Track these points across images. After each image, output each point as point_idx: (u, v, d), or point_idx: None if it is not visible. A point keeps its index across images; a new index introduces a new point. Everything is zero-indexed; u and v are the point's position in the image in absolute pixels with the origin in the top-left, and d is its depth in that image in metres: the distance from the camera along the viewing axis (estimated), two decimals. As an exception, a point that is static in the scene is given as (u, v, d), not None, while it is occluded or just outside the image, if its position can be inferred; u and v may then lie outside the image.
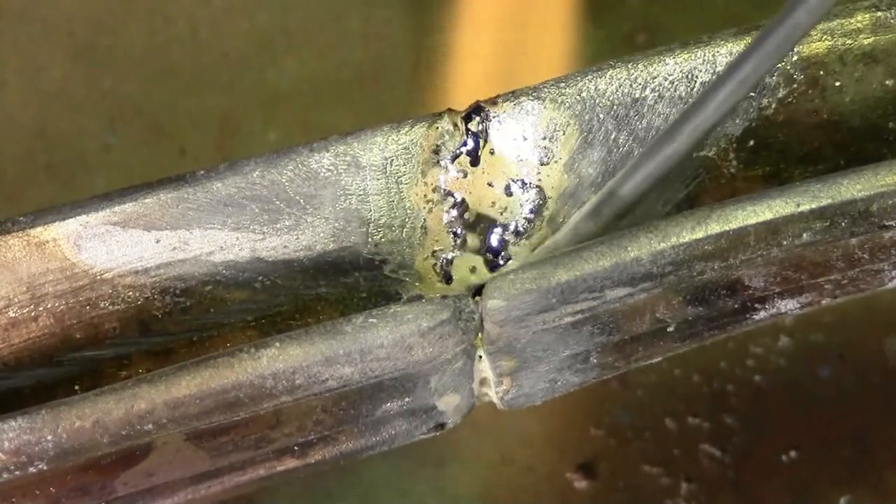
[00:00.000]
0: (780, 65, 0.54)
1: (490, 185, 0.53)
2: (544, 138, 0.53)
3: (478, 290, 0.48)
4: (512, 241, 0.54)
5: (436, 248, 0.54)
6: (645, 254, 0.47)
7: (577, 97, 0.53)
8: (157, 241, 0.50)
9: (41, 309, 0.50)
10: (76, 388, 0.51)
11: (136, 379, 0.45)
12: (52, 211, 0.49)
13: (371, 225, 0.53)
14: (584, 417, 0.79)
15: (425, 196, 0.53)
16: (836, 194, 0.48)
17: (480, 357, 0.52)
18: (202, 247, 0.51)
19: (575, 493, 0.77)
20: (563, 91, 0.53)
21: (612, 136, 0.54)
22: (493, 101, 0.53)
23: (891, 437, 0.78)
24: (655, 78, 0.53)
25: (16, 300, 0.50)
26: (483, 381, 0.53)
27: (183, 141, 0.95)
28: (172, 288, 0.51)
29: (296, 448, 0.52)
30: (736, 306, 0.54)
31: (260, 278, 0.52)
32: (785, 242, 0.49)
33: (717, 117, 0.46)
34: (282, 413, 0.49)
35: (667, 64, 0.53)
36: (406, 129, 0.52)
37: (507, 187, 0.54)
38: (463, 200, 0.53)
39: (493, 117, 0.52)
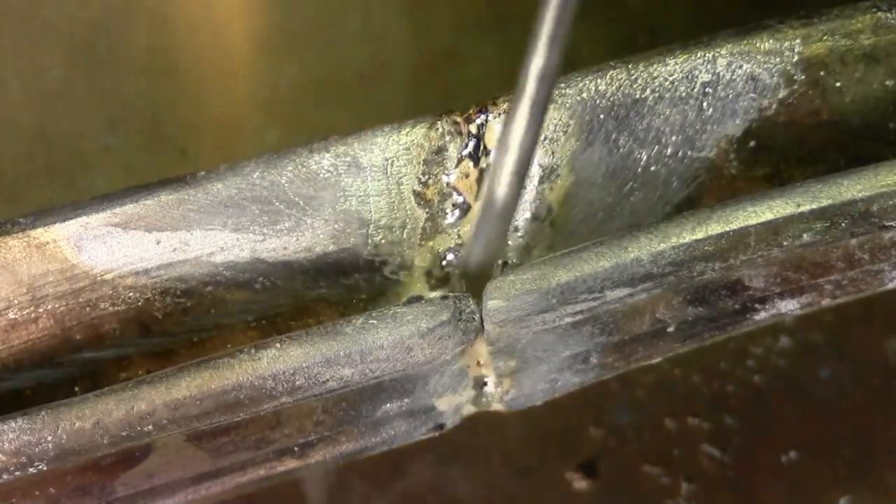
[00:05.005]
0: (780, 65, 0.54)
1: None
2: (545, 139, 0.53)
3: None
4: (513, 241, 0.54)
5: (437, 250, 0.54)
6: (645, 254, 0.47)
7: (578, 98, 0.53)
8: (158, 242, 0.50)
9: (41, 310, 0.50)
10: (76, 389, 0.52)
11: (137, 380, 0.45)
12: (52, 212, 0.49)
13: (371, 226, 0.53)
14: (584, 417, 0.79)
15: (426, 197, 0.53)
16: (836, 195, 0.48)
17: (479, 362, 0.52)
18: (203, 248, 0.51)
19: (575, 492, 0.77)
20: (564, 92, 0.53)
21: (613, 137, 0.54)
22: (494, 102, 0.53)
23: (891, 438, 0.78)
24: (655, 79, 0.53)
25: (16, 301, 0.50)
26: (483, 382, 0.54)
27: (183, 141, 0.95)
28: (173, 289, 0.51)
29: (296, 448, 0.52)
30: (736, 307, 0.54)
31: (260, 279, 0.52)
32: (785, 243, 0.49)
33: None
34: (282, 414, 0.49)
35: (667, 65, 0.53)
36: (407, 129, 0.52)
37: (508, 188, 0.54)
38: (464, 201, 0.53)
39: (494, 118, 0.52)
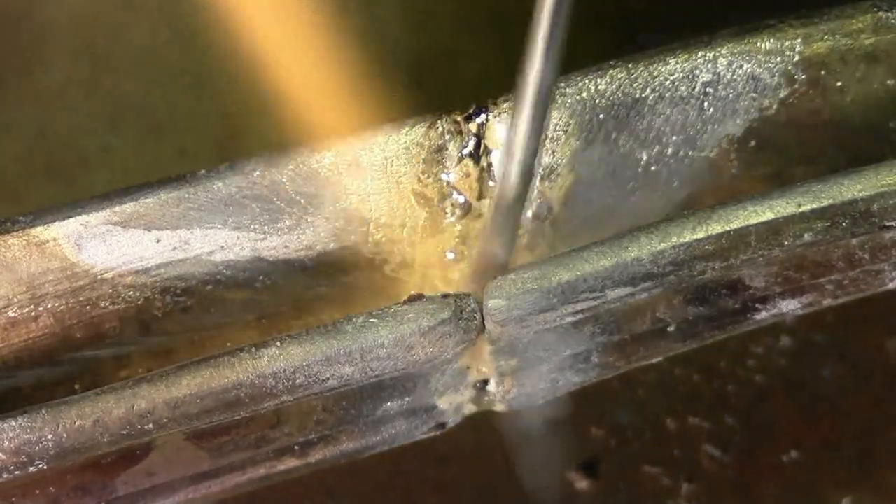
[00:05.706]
0: (781, 65, 0.54)
1: (492, 184, 0.53)
2: (545, 138, 0.53)
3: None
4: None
5: (437, 248, 0.54)
6: (646, 254, 0.47)
7: (578, 97, 0.53)
8: (158, 241, 0.50)
9: (41, 309, 0.50)
10: (76, 387, 0.52)
11: (137, 378, 0.45)
12: (52, 211, 0.49)
13: (371, 224, 0.53)
14: (584, 417, 0.79)
15: (426, 196, 0.53)
16: (837, 194, 0.48)
17: (480, 362, 0.52)
18: (203, 246, 0.51)
19: (576, 492, 0.77)
20: (564, 91, 0.53)
21: (613, 136, 0.54)
22: (494, 102, 0.53)
23: (892, 438, 0.78)
24: (656, 78, 0.53)
25: (16, 300, 0.50)
26: (484, 381, 0.53)
27: (183, 141, 0.95)
28: (173, 287, 0.51)
29: (296, 448, 0.52)
30: (737, 306, 0.54)
31: (260, 278, 0.52)
32: (786, 243, 0.49)
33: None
34: (282, 412, 0.49)
35: (667, 64, 0.53)
36: (407, 129, 0.52)
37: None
38: (465, 200, 0.53)
39: (494, 117, 0.52)
